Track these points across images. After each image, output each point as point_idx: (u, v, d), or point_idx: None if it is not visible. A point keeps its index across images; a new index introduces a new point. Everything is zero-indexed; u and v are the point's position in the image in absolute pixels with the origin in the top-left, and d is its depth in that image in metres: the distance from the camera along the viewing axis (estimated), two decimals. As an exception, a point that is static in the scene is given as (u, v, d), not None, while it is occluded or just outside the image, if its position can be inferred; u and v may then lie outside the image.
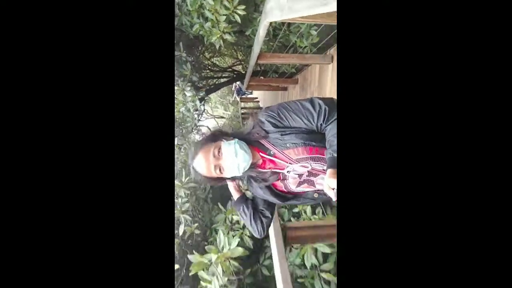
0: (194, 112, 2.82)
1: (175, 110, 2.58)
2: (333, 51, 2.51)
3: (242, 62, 5.65)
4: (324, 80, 2.73)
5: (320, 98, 0.79)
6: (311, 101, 0.78)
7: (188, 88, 2.44)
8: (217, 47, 2.42)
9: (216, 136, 0.82)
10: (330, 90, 2.58)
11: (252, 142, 0.83)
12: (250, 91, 7.49)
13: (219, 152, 0.78)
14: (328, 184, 0.68)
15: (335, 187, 0.67)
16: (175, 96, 2.47)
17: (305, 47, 2.64)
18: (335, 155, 0.70)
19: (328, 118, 0.76)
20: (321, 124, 0.78)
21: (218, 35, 2.27)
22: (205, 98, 3.55)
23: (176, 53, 2.54)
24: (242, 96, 7.18)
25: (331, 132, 0.75)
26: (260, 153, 0.83)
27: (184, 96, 2.47)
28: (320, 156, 0.80)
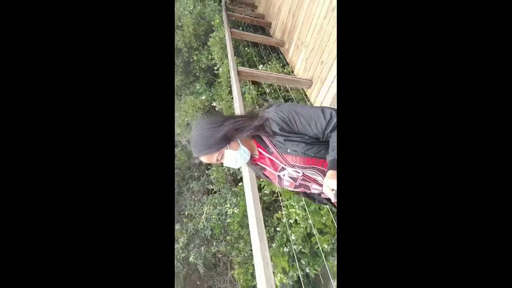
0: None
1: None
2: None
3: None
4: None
5: (332, 108, 0.83)
6: (323, 110, 0.82)
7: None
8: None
9: (223, 142, 0.82)
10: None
11: (255, 136, 0.88)
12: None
13: (222, 157, 0.85)
14: (328, 185, 0.70)
15: (335, 188, 0.68)
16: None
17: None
18: (336, 157, 0.73)
19: (336, 127, 0.80)
20: (328, 132, 0.82)
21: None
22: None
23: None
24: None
25: (335, 138, 0.79)
26: (259, 149, 0.89)
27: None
28: (315, 166, 0.85)
